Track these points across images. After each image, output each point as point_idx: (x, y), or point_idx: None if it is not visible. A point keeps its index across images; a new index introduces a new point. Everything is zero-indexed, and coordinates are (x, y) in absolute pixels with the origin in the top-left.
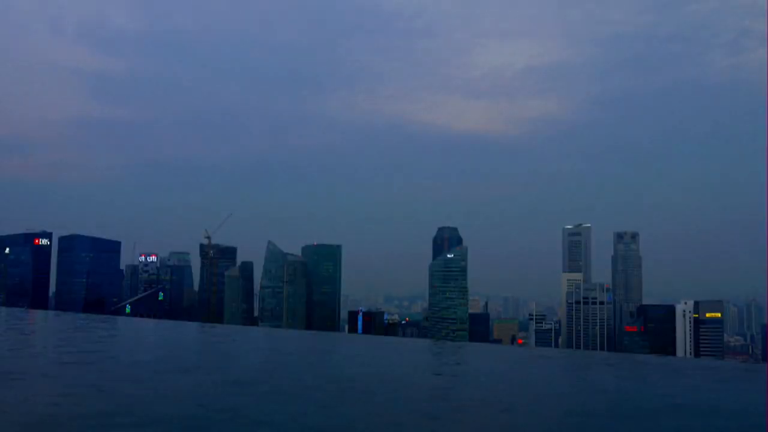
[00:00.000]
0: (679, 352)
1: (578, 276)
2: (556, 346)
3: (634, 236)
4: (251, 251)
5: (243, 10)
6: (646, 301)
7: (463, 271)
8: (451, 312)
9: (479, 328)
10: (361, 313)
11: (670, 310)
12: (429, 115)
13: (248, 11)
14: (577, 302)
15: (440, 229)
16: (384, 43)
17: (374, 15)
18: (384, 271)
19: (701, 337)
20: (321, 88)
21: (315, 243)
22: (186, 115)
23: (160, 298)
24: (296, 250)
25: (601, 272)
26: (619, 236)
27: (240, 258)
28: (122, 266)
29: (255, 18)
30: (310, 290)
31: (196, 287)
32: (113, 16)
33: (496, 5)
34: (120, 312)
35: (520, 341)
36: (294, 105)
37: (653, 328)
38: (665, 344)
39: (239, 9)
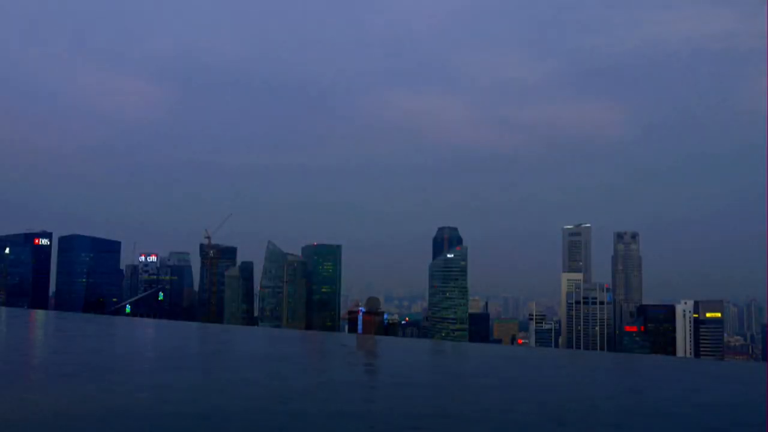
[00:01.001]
0: (679, 352)
1: (578, 276)
2: (556, 346)
3: (634, 236)
4: (251, 251)
5: (245, 28)
6: (646, 301)
7: (463, 271)
8: (451, 312)
9: (479, 328)
10: (361, 314)
11: (670, 310)
12: (428, 119)
13: (250, 28)
14: (577, 302)
15: (440, 229)
16: (379, 50)
17: (369, 25)
18: (384, 271)
19: (701, 337)
20: (319, 93)
21: (315, 243)
22: (186, 117)
23: (160, 298)
24: (296, 250)
25: (601, 272)
26: (619, 236)
27: (240, 258)
28: (122, 266)
29: (256, 30)
30: (310, 290)
31: (196, 287)
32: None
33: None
34: (120, 312)
35: (520, 341)
36: (294, 107)
37: (653, 328)
38: (665, 344)
39: (242, 28)
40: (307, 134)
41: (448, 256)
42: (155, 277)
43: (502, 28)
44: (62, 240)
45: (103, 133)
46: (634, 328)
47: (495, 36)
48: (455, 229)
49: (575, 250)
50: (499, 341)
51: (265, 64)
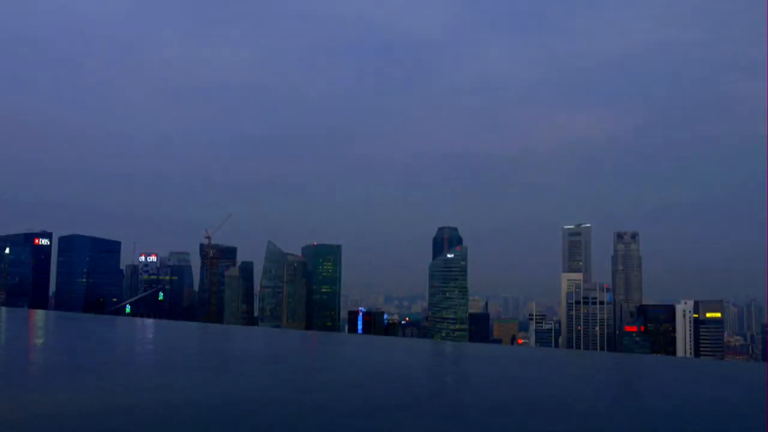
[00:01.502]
0: (679, 352)
1: (578, 276)
2: (556, 346)
3: (634, 236)
4: (251, 251)
5: (244, 34)
6: (646, 301)
7: (463, 271)
8: (451, 312)
9: (479, 328)
10: (361, 313)
11: (670, 310)
12: (427, 120)
13: (249, 34)
14: (577, 302)
15: (440, 229)
16: (376, 54)
17: (367, 28)
18: (384, 271)
19: (701, 337)
20: (318, 94)
21: (315, 243)
22: (187, 117)
23: (160, 298)
24: (296, 250)
25: (601, 272)
26: (619, 236)
27: (240, 258)
28: (122, 266)
29: (255, 36)
30: (310, 290)
31: (196, 287)
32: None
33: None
34: (120, 312)
35: (520, 341)
36: (293, 108)
37: (653, 328)
38: (665, 344)
39: (241, 34)
40: (307, 136)
41: (448, 256)
42: (155, 277)
43: (503, 30)
44: (62, 240)
45: (103, 133)
46: (634, 328)
47: (495, 37)
48: (455, 229)
49: (575, 250)
50: (499, 341)
51: (265, 66)
